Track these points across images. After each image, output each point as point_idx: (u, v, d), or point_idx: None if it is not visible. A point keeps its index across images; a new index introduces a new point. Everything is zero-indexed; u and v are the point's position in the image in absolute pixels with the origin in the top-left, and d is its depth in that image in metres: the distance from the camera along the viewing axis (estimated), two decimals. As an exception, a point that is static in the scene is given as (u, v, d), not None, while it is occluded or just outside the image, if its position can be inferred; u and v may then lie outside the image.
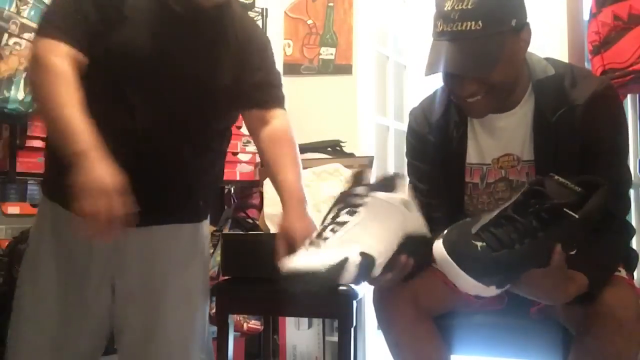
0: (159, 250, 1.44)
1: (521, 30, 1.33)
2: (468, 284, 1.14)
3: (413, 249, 1.24)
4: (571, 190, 1.21)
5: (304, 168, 1.51)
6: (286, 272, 1.09)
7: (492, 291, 1.17)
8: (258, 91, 1.48)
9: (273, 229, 1.97)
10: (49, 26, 1.28)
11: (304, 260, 1.10)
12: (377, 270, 1.17)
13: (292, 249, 1.25)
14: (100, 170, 1.08)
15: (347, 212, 1.20)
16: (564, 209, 1.18)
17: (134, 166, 1.21)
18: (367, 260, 1.13)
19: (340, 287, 1.71)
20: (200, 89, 1.38)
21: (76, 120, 1.12)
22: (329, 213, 1.25)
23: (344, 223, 1.18)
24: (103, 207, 1.06)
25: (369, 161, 2.47)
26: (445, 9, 1.28)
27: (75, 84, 1.20)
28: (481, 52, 1.28)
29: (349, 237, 1.15)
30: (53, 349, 1.39)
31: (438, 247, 1.16)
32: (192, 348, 1.51)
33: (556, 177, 1.25)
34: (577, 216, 1.18)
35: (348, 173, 1.33)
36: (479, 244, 1.14)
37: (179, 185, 1.42)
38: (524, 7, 1.36)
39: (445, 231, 1.19)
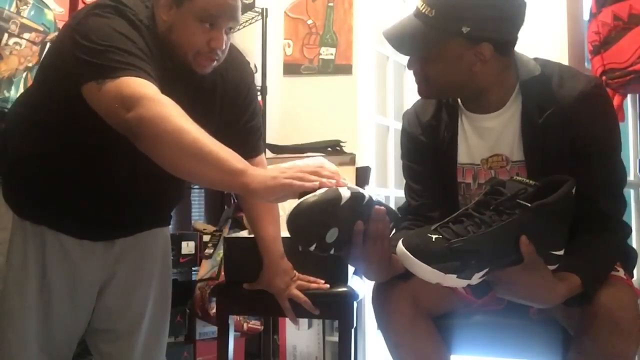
0: (144, 250, 1.61)
1: (477, 43, 1.32)
2: (423, 271, 1.17)
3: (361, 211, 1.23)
4: (527, 185, 1.24)
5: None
6: (287, 218, 1.10)
7: (453, 280, 1.18)
8: (243, 138, 1.52)
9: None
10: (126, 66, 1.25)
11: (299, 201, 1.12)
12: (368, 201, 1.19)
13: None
14: (265, 171, 1.18)
15: None
16: (517, 200, 1.21)
17: (130, 186, 1.44)
18: (357, 190, 1.17)
19: (341, 289, 1.73)
20: None
21: (220, 148, 1.17)
22: None
23: None
24: (297, 172, 1.15)
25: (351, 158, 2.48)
26: None
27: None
28: (418, 36, 1.35)
29: None
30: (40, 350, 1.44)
31: (399, 245, 1.20)
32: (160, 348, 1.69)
33: (515, 176, 1.30)
34: (530, 205, 1.20)
35: (333, 167, 1.34)
36: (434, 236, 1.19)
37: (165, 199, 1.63)
38: (492, 24, 1.31)
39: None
